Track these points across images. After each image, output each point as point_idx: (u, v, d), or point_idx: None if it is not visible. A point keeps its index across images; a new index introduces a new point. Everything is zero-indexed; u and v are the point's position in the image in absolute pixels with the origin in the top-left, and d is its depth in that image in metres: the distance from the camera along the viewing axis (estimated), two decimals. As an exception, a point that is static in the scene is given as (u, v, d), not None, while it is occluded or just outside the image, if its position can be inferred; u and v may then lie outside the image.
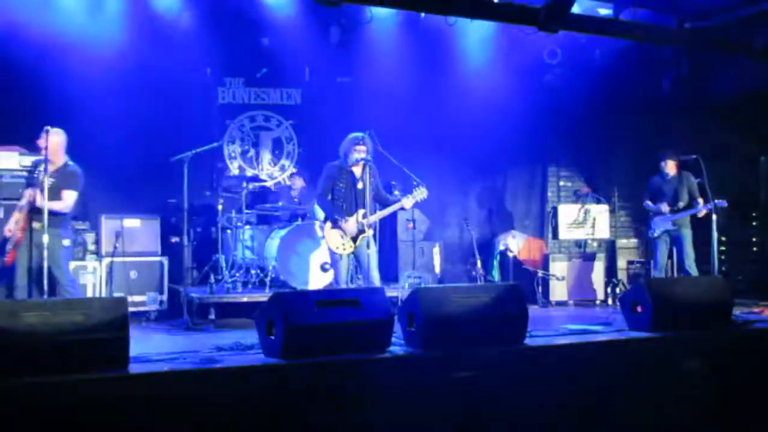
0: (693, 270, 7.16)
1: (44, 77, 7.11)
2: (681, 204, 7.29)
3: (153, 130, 7.65)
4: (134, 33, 7.56)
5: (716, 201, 6.92)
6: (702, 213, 7.19)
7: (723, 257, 8.26)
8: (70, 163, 5.68)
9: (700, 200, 7.22)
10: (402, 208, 5.92)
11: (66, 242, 5.53)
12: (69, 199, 5.53)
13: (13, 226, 5.43)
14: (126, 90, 7.55)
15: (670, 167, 7.37)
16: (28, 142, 6.53)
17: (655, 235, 7.34)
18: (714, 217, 6.88)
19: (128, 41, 7.50)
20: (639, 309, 4.85)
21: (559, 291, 8.27)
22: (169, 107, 7.78)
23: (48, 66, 7.10)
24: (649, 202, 7.47)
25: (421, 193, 5.77)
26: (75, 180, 5.60)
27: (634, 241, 8.92)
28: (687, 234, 7.27)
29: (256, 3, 7.92)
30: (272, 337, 3.87)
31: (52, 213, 5.31)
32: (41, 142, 5.42)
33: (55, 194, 5.44)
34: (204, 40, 7.90)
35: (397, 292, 6.57)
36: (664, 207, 7.27)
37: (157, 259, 7.27)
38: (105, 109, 7.33)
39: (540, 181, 9.47)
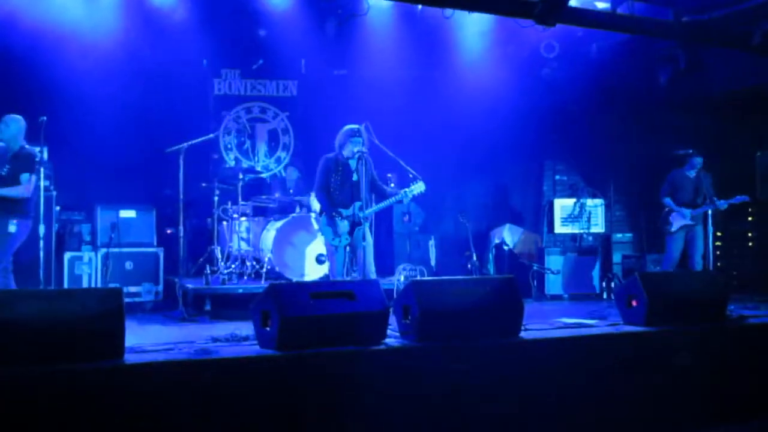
0: (699, 265, 7.17)
1: (39, 68, 7.08)
2: (700, 200, 7.27)
3: (149, 121, 7.64)
4: (130, 24, 7.53)
5: (738, 196, 7.03)
6: (724, 208, 7.23)
7: (719, 252, 8.29)
8: (26, 146, 5.61)
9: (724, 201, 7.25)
10: (399, 202, 5.92)
11: (12, 228, 5.39)
12: (27, 182, 5.45)
13: None
14: (122, 81, 7.54)
15: (698, 163, 7.34)
16: (25, 133, 6.51)
17: (673, 230, 7.29)
18: (710, 211, 6.91)
19: (124, 32, 7.47)
20: (634, 303, 4.86)
21: (554, 285, 8.30)
22: (164, 98, 7.77)
23: (43, 57, 7.07)
24: (669, 200, 7.36)
25: (418, 187, 5.76)
26: (30, 162, 5.52)
27: (629, 236, 8.94)
28: (702, 230, 7.27)
29: (252, -6, 7.90)
30: (268, 329, 3.87)
31: (10, 199, 5.31)
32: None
33: (13, 180, 5.42)
34: (200, 31, 7.86)
35: (393, 284, 6.58)
36: (684, 210, 7.23)
37: (153, 250, 7.26)
38: (101, 101, 7.32)
39: (536, 174, 9.47)
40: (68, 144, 7.06)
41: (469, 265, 7.95)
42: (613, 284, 8.08)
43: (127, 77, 7.57)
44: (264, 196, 7.89)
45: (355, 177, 5.77)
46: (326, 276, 6.46)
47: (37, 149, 6.27)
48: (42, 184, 6.13)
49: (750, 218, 8.49)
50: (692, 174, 7.37)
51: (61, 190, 6.86)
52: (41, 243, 5.86)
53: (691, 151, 7.32)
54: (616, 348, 4.60)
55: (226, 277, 6.94)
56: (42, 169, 6.20)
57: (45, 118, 5.87)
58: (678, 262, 7.33)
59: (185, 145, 6.56)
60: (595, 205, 8.68)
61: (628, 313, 4.94)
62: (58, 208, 6.85)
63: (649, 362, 4.55)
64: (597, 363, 4.43)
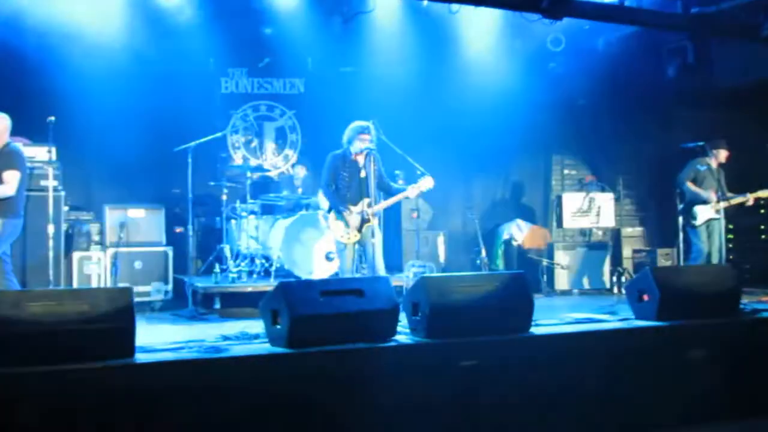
0: (716, 259, 7.10)
1: (47, 68, 7.11)
2: (720, 194, 7.17)
3: (157, 120, 7.64)
4: (137, 24, 7.56)
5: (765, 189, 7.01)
6: (750, 202, 7.15)
7: (730, 246, 8.22)
8: (11, 144, 5.43)
9: (750, 194, 7.17)
10: (407, 197, 5.88)
11: None
12: (11, 179, 5.26)
13: None
14: (129, 80, 7.55)
15: (722, 156, 7.24)
16: (32, 134, 6.53)
17: (698, 224, 7.14)
18: (721, 205, 6.84)
19: (131, 32, 7.51)
20: (645, 298, 4.80)
21: (563, 280, 8.25)
22: (172, 97, 7.78)
23: (51, 57, 7.09)
24: (691, 185, 7.15)
25: (426, 183, 5.73)
26: (14, 159, 5.33)
27: (639, 230, 8.87)
28: (719, 224, 7.19)
29: (258, -7, 7.89)
30: (278, 327, 3.85)
31: None
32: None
33: None
34: (207, 30, 7.88)
35: (402, 281, 6.55)
36: (712, 195, 7.09)
37: (162, 249, 7.26)
38: (109, 100, 7.33)
39: (544, 169, 9.42)
40: (76, 144, 7.07)
41: (478, 261, 7.91)
42: (623, 279, 8.03)
43: (135, 77, 7.58)
44: (272, 195, 7.88)
45: (363, 174, 5.74)
46: (335, 274, 6.44)
47: (46, 149, 6.29)
48: (51, 184, 6.14)
49: (762, 211, 8.42)
50: (714, 168, 7.27)
51: (69, 189, 6.85)
52: (50, 243, 5.88)
53: (702, 143, 7.24)
54: (627, 343, 4.55)
55: (235, 275, 6.94)
56: (51, 169, 6.22)
57: (54, 118, 5.88)
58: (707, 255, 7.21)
59: (193, 144, 6.56)
60: (604, 199, 8.62)
61: (639, 308, 4.89)
62: (66, 207, 6.84)
63: (661, 357, 4.50)
64: (608, 358, 4.38)
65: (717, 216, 7.15)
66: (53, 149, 6.41)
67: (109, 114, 7.36)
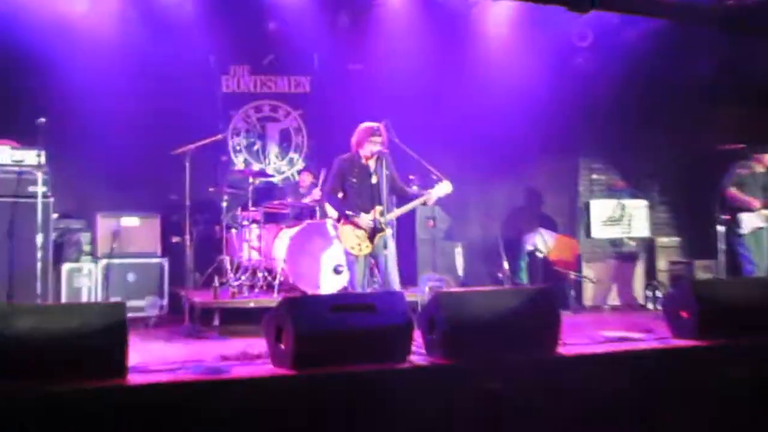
0: (763, 270, 7.04)
1: (41, 67, 7.17)
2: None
3: (153, 121, 7.68)
4: (132, 20, 7.61)
5: None
6: None
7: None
8: None
9: None
10: (424, 204, 5.85)
11: None
12: None
13: None
14: (124, 79, 7.61)
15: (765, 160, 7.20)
16: (22, 135, 6.56)
17: (744, 232, 7.09)
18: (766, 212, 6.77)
19: (126, 28, 7.57)
20: (683, 314, 4.76)
21: (593, 294, 8.18)
22: (170, 97, 7.82)
23: (45, 55, 7.13)
24: (734, 191, 7.11)
25: (444, 188, 5.69)
26: None
27: (675, 240, 8.78)
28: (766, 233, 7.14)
29: (261, -15, 7.92)
30: (282, 346, 3.85)
31: None
32: None
33: None
34: (206, 25, 7.92)
35: (417, 296, 6.50)
36: (755, 203, 7.05)
37: (157, 260, 7.27)
38: (103, 100, 7.39)
39: (570, 174, 9.34)
40: (67, 147, 7.10)
41: (499, 275, 7.87)
42: (658, 293, 7.96)
43: (130, 74, 7.63)
44: (276, 202, 7.87)
45: (374, 179, 5.71)
46: (345, 288, 6.41)
47: (35, 152, 6.31)
48: (40, 190, 6.16)
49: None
50: (757, 171, 7.21)
51: (59, 196, 6.87)
52: (39, 253, 5.89)
53: (743, 146, 7.17)
54: (664, 364, 4.51)
55: (235, 289, 6.93)
56: (40, 174, 6.24)
57: (43, 119, 5.90)
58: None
59: (191, 146, 6.57)
60: (637, 207, 8.55)
61: (677, 326, 4.85)
62: (55, 215, 6.85)
63: (702, 380, 4.44)
64: (643, 381, 4.33)
65: (765, 224, 7.08)
66: (42, 153, 6.43)
67: (102, 115, 7.39)
